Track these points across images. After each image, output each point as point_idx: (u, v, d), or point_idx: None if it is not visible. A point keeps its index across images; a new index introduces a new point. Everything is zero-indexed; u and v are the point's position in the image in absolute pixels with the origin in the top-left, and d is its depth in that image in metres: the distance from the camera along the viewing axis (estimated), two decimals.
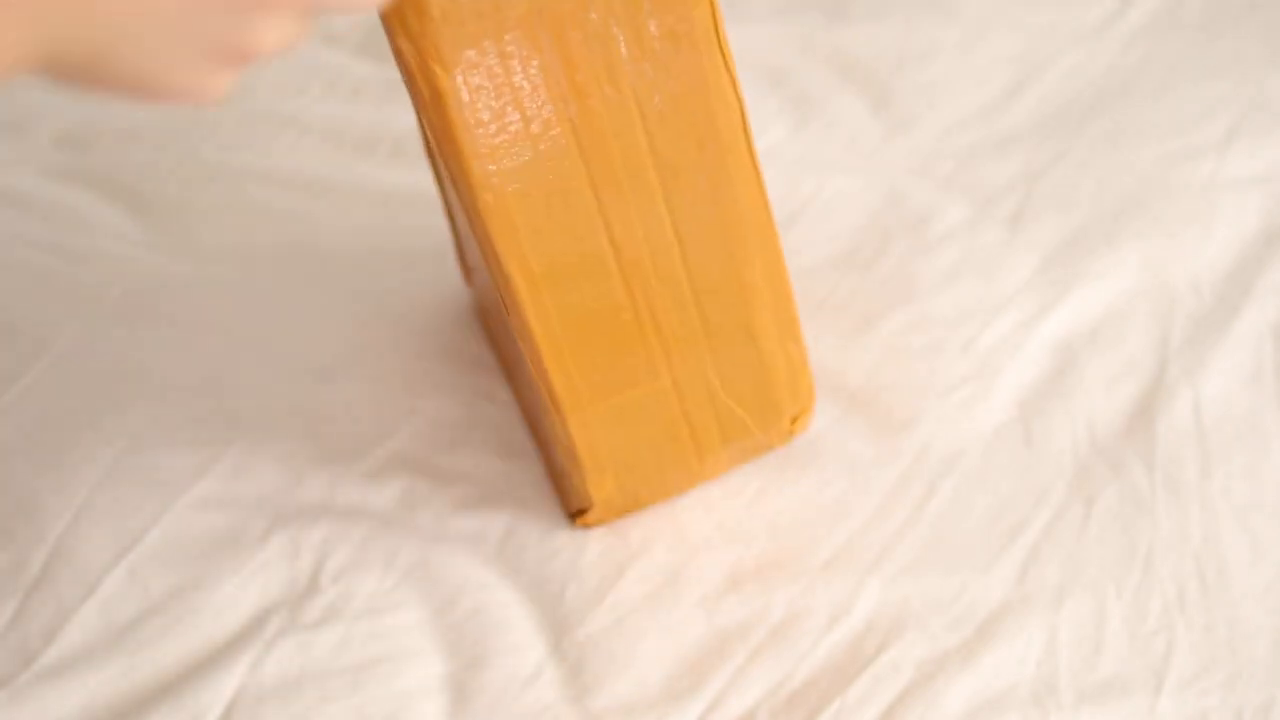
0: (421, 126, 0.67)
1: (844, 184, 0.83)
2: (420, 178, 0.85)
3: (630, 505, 0.66)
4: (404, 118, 0.88)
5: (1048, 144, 0.84)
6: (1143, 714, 0.59)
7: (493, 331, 0.74)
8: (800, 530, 0.67)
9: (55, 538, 0.67)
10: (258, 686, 0.62)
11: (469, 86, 0.52)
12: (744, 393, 0.64)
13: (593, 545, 0.66)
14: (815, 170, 0.85)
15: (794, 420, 0.66)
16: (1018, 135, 0.85)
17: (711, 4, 0.54)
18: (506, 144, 0.53)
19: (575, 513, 0.67)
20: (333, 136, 0.90)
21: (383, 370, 0.75)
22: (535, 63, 0.52)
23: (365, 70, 0.95)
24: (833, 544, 0.66)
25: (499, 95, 0.52)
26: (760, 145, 0.86)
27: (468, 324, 0.77)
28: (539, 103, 0.53)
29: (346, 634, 0.64)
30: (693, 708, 0.60)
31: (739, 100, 0.56)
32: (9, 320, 0.79)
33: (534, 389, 0.63)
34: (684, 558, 0.66)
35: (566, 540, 0.67)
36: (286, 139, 0.90)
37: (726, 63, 0.55)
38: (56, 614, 0.65)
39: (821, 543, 0.66)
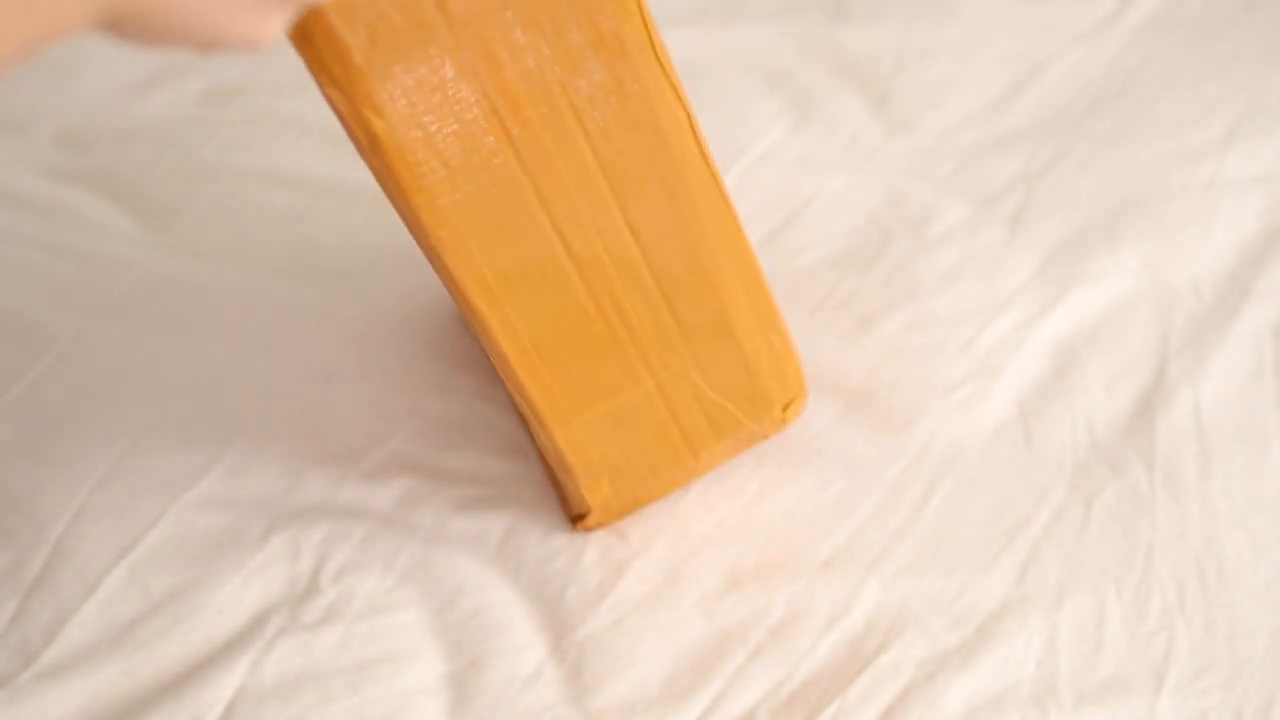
0: None
1: (844, 184, 0.83)
2: None
3: (629, 506, 0.66)
4: None
5: (1048, 144, 0.84)
6: (1143, 714, 0.59)
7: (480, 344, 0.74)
8: (800, 530, 0.67)
9: (55, 538, 0.67)
10: (258, 686, 0.62)
11: (405, 125, 0.52)
12: (730, 387, 0.64)
13: (593, 545, 0.66)
14: (815, 170, 0.85)
15: (786, 408, 0.66)
16: (1018, 135, 0.85)
17: (641, 14, 0.54)
18: (450, 176, 0.53)
19: (575, 517, 0.67)
20: (333, 136, 0.90)
21: (383, 370, 0.75)
22: (469, 92, 0.52)
23: None
24: (833, 544, 0.66)
25: (437, 128, 0.52)
26: (760, 145, 0.86)
27: (468, 325, 0.77)
28: (479, 131, 0.53)
29: (347, 634, 0.64)
30: (693, 708, 0.60)
31: (683, 104, 0.56)
32: (9, 320, 0.79)
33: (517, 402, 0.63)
34: (684, 558, 0.66)
35: (567, 540, 0.67)
36: (286, 139, 0.90)
37: (665, 69, 0.55)
38: (56, 614, 0.65)
39: (821, 543, 0.66)
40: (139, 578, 0.66)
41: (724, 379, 0.63)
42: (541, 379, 0.59)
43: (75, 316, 0.78)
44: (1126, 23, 0.92)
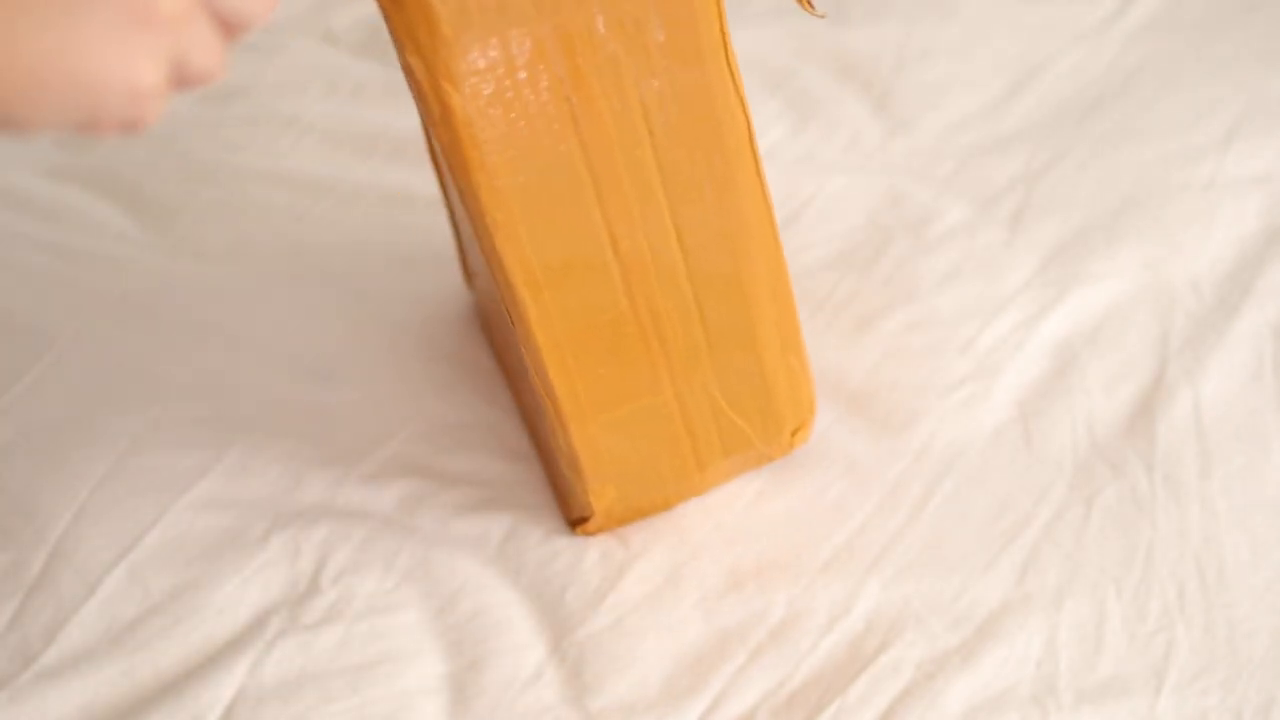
0: (426, 132, 0.67)
1: (844, 184, 0.83)
2: (420, 178, 0.85)
3: (631, 515, 0.66)
4: (404, 118, 0.88)
5: (1048, 144, 0.84)
6: (1143, 714, 0.59)
7: (494, 337, 0.74)
8: (800, 530, 0.67)
9: (55, 538, 0.67)
10: (258, 687, 0.62)
11: (479, 102, 0.52)
12: (746, 405, 0.64)
13: (593, 546, 0.66)
14: (815, 170, 0.85)
15: (794, 433, 0.66)
16: (1018, 135, 0.85)
17: (719, 18, 0.54)
18: (514, 158, 0.53)
19: (575, 521, 0.67)
20: (333, 136, 0.90)
21: (383, 371, 0.75)
22: (544, 77, 0.52)
23: (365, 70, 0.95)
24: (833, 544, 0.66)
25: (508, 110, 0.52)
26: (760, 146, 0.86)
27: (468, 326, 0.77)
28: (548, 117, 0.53)
29: (347, 634, 0.64)
30: (693, 708, 0.60)
31: (745, 112, 0.57)
32: (9, 320, 0.79)
33: (536, 397, 0.63)
34: (684, 558, 0.66)
35: (567, 542, 0.67)
36: (286, 139, 0.90)
37: (733, 75, 0.55)
38: (56, 614, 0.65)
39: (821, 543, 0.66)
40: (139, 578, 0.66)
41: (741, 396, 0.63)
42: (569, 375, 0.59)
43: (75, 316, 0.78)
44: (1126, 23, 0.92)
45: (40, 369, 0.75)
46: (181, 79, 0.39)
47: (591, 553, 0.66)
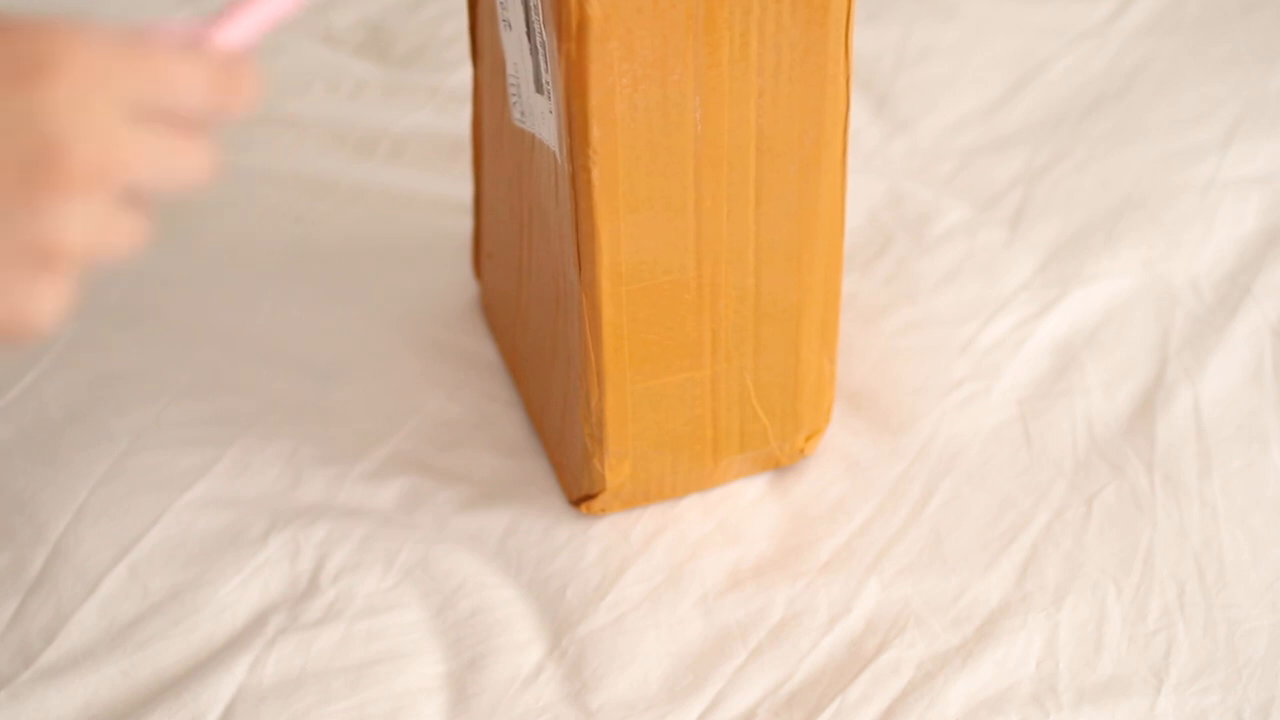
0: (477, 105, 0.67)
1: None
2: (420, 177, 0.85)
3: (638, 498, 0.66)
4: (404, 118, 0.88)
5: (1048, 144, 0.84)
6: (1143, 714, 0.59)
7: (505, 322, 0.73)
8: (800, 530, 0.67)
9: (55, 538, 0.67)
10: (258, 686, 0.62)
11: (614, 20, 0.51)
12: (773, 399, 0.64)
13: (593, 545, 0.66)
14: None
15: (808, 438, 0.66)
16: (1018, 135, 0.85)
17: None
18: (632, 85, 0.53)
19: (580, 498, 0.67)
20: (333, 136, 0.90)
21: (382, 370, 0.75)
22: (679, 16, 0.52)
23: (365, 70, 0.95)
24: (833, 544, 0.66)
25: (639, 39, 0.52)
26: None
27: (470, 320, 0.77)
28: (672, 56, 0.53)
29: (346, 634, 0.64)
30: (693, 707, 0.60)
31: (848, 95, 0.56)
32: None
33: (562, 365, 0.62)
34: (684, 557, 0.66)
35: (567, 539, 0.67)
36: (286, 139, 0.90)
37: (848, 50, 0.55)
38: (56, 614, 0.64)
39: (821, 543, 0.66)
40: (139, 578, 0.66)
41: (771, 388, 0.63)
42: (619, 332, 0.59)
43: (75, 316, 0.78)
44: (1126, 23, 0.92)
45: (40, 369, 0.75)
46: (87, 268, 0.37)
47: (591, 550, 0.66)
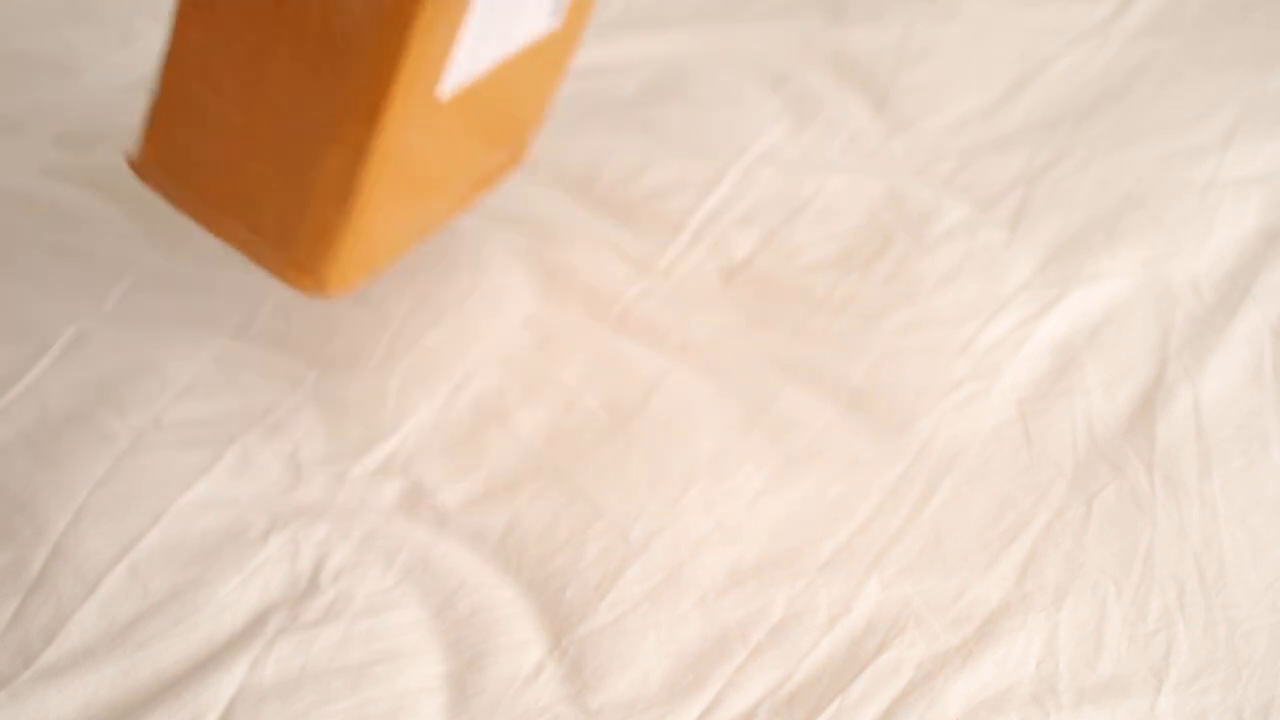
0: None
1: (844, 184, 0.83)
2: None
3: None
4: None
5: (1048, 144, 0.84)
6: (1143, 714, 0.59)
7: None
8: (800, 530, 0.67)
9: (55, 538, 0.67)
10: (258, 686, 0.62)
11: None
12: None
13: (592, 544, 0.66)
14: (815, 170, 0.85)
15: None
16: (1018, 135, 0.85)
17: None
18: None
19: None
20: None
21: (382, 369, 0.75)
22: None
23: None
24: (833, 544, 0.66)
25: None
26: (760, 145, 0.86)
27: None
28: None
29: (346, 633, 0.64)
30: (693, 707, 0.60)
31: None
32: (9, 320, 0.79)
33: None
34: (684, 557, 0.66)
35: (567, 538, 0.67)
36: None
37: None
38: (56, 614, 0.64)
39: (822, 542, 0.66)
40: (139, 578, 0.66)
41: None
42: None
43: (75, 316, 0.78)
44: (1126, 23, 0.92)
45: (40, 369, 0.75)
46: None
47: (591, 549, 0.66)
